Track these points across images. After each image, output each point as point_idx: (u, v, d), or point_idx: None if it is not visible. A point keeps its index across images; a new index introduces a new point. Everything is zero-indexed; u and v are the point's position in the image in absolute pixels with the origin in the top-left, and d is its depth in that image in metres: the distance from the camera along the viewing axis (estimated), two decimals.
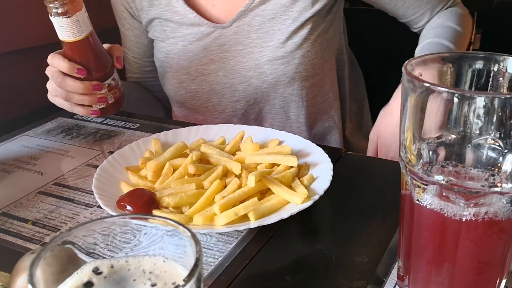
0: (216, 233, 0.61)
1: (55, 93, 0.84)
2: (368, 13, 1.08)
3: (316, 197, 0.63)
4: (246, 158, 0.73)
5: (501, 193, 0.42)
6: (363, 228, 0.62)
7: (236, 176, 0.69)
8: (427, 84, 0.41)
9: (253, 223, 0.59)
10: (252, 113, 1.01)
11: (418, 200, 0.45)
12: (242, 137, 0.79)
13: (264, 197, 0.65)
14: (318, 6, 0.95)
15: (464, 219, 0.43)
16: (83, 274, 0.34)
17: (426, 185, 0.44)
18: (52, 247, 0.34)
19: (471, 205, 0.42)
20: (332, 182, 0.65)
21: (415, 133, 0.45)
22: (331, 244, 0.60)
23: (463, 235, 0.44)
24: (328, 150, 0.74)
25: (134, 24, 1.06)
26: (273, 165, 0.72)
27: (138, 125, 0.95)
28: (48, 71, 0.83)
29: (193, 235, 0.33)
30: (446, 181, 0.43)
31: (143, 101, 1.12)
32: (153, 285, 0.33)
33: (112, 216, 0.36)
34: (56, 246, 0.34)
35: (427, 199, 0.44)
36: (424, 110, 0.43)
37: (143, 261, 0.35)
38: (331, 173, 0.67)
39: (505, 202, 0.43)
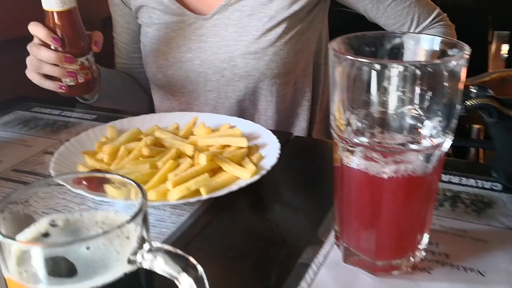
0: (170, 206, 0.65)
1: (31, 67, 0.88)
2: (354, 14, 1.10)
3: (264, 172, 0.67)
4: (198, 141, 0.77)
5: (417, 151, 0.48)
6: (306, 199, 0.67)
7: (189, 157, 0.73)
8: (349, 57, 0.47)
9: (204, 196, 0.63)
10: (223, 104, 1.05)
11: (347, 163, 0.51)
12: (195, 123, 0.83)
13: (216, 175, 0.70)
14: (295, 7, 0.99)
15: (385, 176, 0.48)
16: (40, 226, 0.38)
17: (353, 147, 0.49)
18: (8, 205, 0.37)
19: (391, 162, 0.48)
20: (280, 160, 0.70)
21: (343, 104, 0.50)
22: (277, 213, 0.65)
23: (385, 192, 0.49)
24: (278, 134, 0.79)
25: (125, 11, 1.11)
26: (225, 146, 0.76)
27: (95, 116, 0.98)
28: (29, 44, 0.87)
29: (138, 185, 0.37)
30: (370, 143, 0.48)
31: (126, 90, 1.15)
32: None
33: (58, 175, 0.39)
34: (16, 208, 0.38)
35: (355, 160, 0.50)
36: (349, 81, 0.49)
37: (96, 214, 0.39)
38: (279, 151, 0.72)
39: (422, 160, 0.48)
